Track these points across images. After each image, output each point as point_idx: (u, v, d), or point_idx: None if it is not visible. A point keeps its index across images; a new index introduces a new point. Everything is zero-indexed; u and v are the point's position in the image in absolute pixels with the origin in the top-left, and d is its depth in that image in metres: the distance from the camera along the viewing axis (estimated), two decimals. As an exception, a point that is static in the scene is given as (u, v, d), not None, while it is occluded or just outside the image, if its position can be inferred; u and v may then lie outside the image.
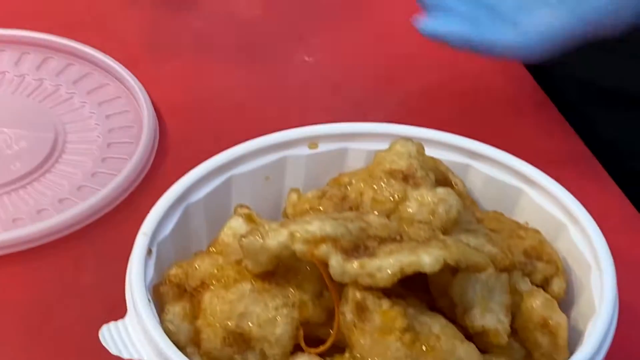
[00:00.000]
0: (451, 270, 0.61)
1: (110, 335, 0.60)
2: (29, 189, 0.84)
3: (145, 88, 0.93)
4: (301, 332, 0.61)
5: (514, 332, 0.63)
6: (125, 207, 0.84)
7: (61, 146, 0.88)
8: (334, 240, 0.58)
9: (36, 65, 0.96)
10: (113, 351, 0.59)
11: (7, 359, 0.72)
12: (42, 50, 0.97)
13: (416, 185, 0.65)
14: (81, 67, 0.96)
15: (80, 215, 0.81)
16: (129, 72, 0.94)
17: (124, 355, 0.59)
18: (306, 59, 1.01)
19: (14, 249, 0.79)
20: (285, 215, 0.69)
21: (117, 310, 0.73)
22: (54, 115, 0.91)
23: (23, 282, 0.78)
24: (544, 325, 0.62)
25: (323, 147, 0.72)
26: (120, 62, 0.96)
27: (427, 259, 0.57)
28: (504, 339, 0.61)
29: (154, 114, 0.91)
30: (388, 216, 0.63)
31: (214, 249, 0.65)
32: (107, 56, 0.96)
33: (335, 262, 0.57)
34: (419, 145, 0.67)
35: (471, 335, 0.61)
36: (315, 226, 0.59)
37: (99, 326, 0.72)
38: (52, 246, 0.80)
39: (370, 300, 0.58)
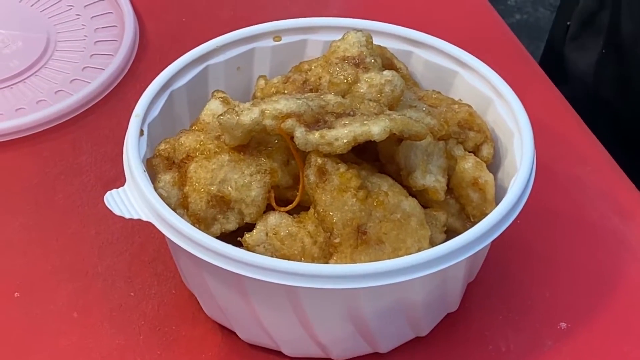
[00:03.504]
0: (396, 140, 0.69)
1: (113, 200, 0.67)
2: (28, 83, 0.91)
3: (125, -10, 1.00)
4: (272, 194, 0.68)
5: (450, 190, 0.71)
6: (113, 96, 0.91)
7: (53, 45, 0.95)
8: (298, 116, 0.65)
9: (26, -27, 1.02)
10: (116, 212, 0.66)
11: (19, 228, 0.80)
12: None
13: (366, 70, 0.72)
14: (66, -26, 1.02)
15: (74, 105, 0.88)
16: (110, -23, 1.01)
17: (126, 215, 0.66)
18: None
19: (18, 135, 0.87)
20: (255, 98, 0.76)
21: (112, 183, 0.81)
22: (45, 18, 0.98)
23: (28, 163, 0.85)
24: (475, 183, 0.70)
25: (286, 40, 0.79)
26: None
27: (376, 129, 0.65)
28: (441, 195, 0.69)
29: (134, 14, 0.97)
30: (343, 96, 0.70)
31: (196, 127, 0.72)
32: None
33: (300, 134, 0.65)
34: (368, 35, 0.74)
35: (415, 194, 0.69)
36: (282, 104, 0.66)
37: (97, 197, 0.80)
38: (52, 132, 0.87)
39: (330, 165, 0.65)
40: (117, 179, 0.81)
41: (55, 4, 0.99)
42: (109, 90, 0.91)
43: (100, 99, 0.90)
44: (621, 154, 0.88)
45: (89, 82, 0.90)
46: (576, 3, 1.08)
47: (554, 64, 1.10)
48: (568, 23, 1.09)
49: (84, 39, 0.96)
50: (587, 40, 1.07)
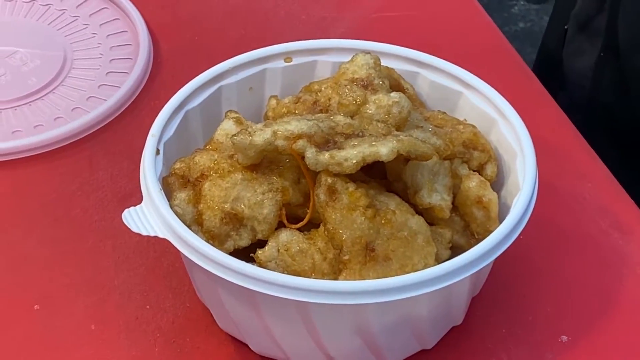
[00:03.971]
0: (404, 159, 0.70)
1: (131, 217, 0.68)
2: (45, 100, 0.93)
3: (139, 10, 1.02)
4: (284, 212, 0.70)
5: (455, 208, 0.73)
6: (128, 113, 0.93)
7: (70, 63, 0.97)
8: (308, 137, 0.67)
9: (42, -8, 1.04)
10: (134, 229, 0.67)
11: (37, 243, 0.81)
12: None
13: (374, 91, 0.73)
14: (82, -7, 1.04)
15: (91, 122, 0.90)
16: (125, -3, 1.03)
17: (143, 232, 0.67)
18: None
19: (36, 151, 0.88)
20: (267, 118, 0.78)
21: (128, 199, 0.83)
22: (62, 37, 1.00)
23: (46, 179, 0.87)
24: (479, 201, 0.72)
25: (296, 61, 0.80)
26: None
27: (384, 150, 0.66)
28: (447, 213, 0.71)
29: (148, 33, 0.99)
30: (352, 117, 0.72)
31: (210, 147, 0.74)
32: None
33: (310, 154, 0.67)
34: (376, 57, 0.75)
35: (421, 212, 0.70)
36: (293, 125, 0.68)
37: (114, 213, 0.82)
38: (69, 148, 0.89)
39: (339, 184, 0.67)
40: (133, 194, 0.83)
41: (71, 22, 1.01)
42: (125, 107, 0.92)
43: (116, 115, 0.92)
44: (619, 159, 0.89)
45: (105, 100, 0.92)
46: (572, 7, 1.09)
47: (550, 68, 1.10)
48: (565, 27, 1.10)
49: (100, 57, 0.98)
50: (584, 44, 1.07)
